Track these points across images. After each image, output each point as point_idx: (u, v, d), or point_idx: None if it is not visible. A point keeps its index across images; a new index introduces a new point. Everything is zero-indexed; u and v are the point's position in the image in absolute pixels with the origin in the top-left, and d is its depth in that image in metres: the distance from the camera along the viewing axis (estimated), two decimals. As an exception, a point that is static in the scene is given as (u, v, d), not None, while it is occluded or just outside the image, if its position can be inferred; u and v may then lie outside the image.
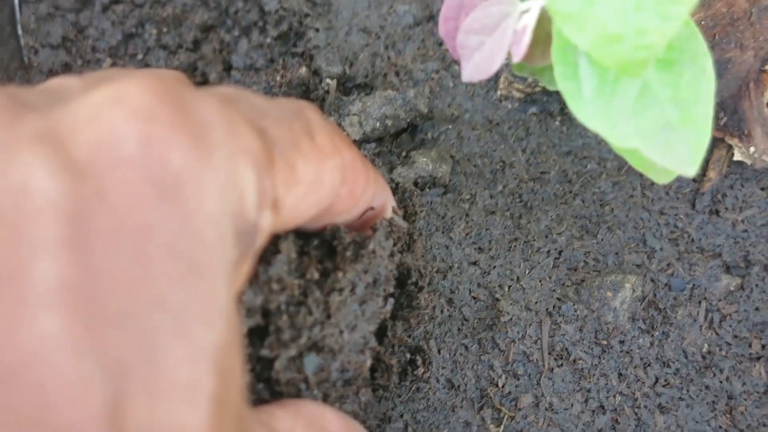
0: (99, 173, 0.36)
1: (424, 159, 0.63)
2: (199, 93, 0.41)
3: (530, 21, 0.48)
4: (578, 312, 0.61)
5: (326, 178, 0.49)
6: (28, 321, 0.33)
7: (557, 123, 0.64)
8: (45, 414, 0.32)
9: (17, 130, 0.37)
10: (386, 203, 0.57)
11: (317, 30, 0.67)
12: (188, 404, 0.36)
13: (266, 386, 0.52)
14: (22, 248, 0.34)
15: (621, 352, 0.60)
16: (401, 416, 0.60)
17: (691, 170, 0.47)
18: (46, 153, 0.36)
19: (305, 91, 0.66)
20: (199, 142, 0.39)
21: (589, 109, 0.48)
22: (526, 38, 0.49)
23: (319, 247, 0.55)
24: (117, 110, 0.37)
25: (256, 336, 0.52)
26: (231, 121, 0.41)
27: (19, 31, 0.68)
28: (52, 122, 0.37)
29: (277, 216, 0.44)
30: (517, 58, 0.49)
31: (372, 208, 0.56)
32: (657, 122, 0.48)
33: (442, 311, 0.61)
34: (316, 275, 0.53)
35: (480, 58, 0.49)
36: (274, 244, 0.52)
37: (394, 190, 0.63)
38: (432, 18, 0.67)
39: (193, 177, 0.38)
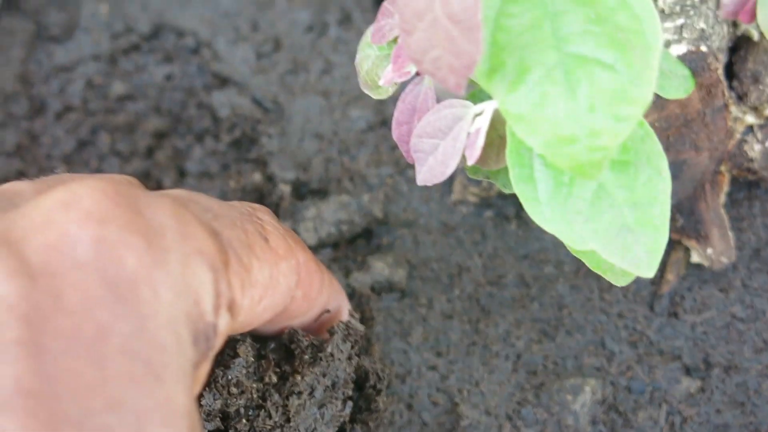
0: (54, 276, 0.36)
1: (381, 264, 0.63)
2: (151, 195, 0.42)
3: (484, 123, 0.48)
4: (538, 416, 0.61)
5: (281, 279, 0.49)
6: None
7: (513, 227, 0.65)
8: None
9: None
10: (341, 306, 0.57)
11: (270, 136, 0.67)
12: None
13: None
14: None
15: (581, 457, 0.60)
16: None
17: (650, 272, 0.48)
18: (0, 257, 0.36)
19: (260, 197, 0.66)
20: (153, 243, 0.39)
21: (545, 211, 0.48)
22: (480, 141, 0.49)
23: (277, 351, 0.55)
24: (69, 213, 0.37)
25: None
26: (184, 222, 0.41)
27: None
28: (4, 225, 0.38)
29: (233, 318, 0.44)
30: (471, 161, 0.49)
31: (328, 311, 0.56)
32: (614, 224, 0.48)
33: (401, 415, 0.61)
34: (275, 378, 0.53)
35: (434, 161, 0.49)
36: (231, 348, 0.52)
37: (351, 296, 0.63)
38: (385, 123, 0.67)
39: (148, 279, 0.38)
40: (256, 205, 0.52)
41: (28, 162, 0.67)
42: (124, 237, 0.38)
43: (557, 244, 0.56)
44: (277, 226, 0.51)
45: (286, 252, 0.50)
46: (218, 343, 0.43)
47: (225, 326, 0.43)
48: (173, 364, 0.38)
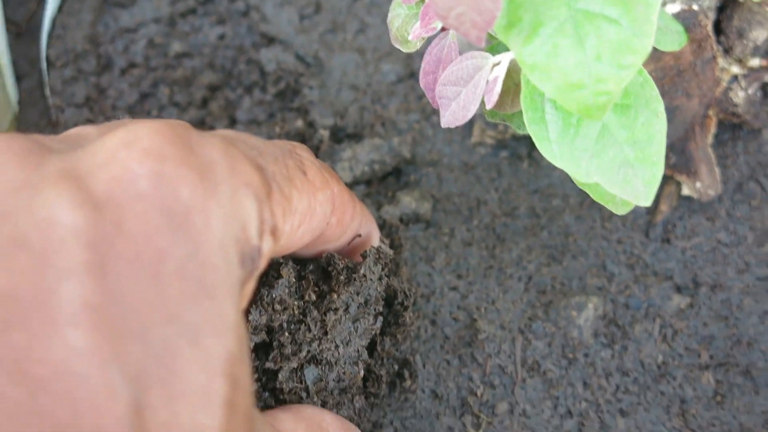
0: (117, 206, 0.37)
1: (408, 198, 0.63)
2: (203, 135, 0.42)
3: (501, 72, 0.49)
4: (547, 329, 0.61)
5: (318, 208, 0.50)
6: (58, 337, 0.33)
7: (525, 165, 0.64)
8: (74, 419, 0.32)
9: (42, 170, 0.37)
10: (371, 233, 0.58)
11: (311, 87, 0.67)
12: (203, 407, 0.36)
13: (271, 395, 0.53)
14: (50, 273, 0.34)
15: (585, 363, 0.60)
16: (391, 423, 0.60)
17: (647, 202, 0.48)
18: (68, 190, 0.36)
19: (302, 141, 0.66)
20: (204, 177, 0.39)
21: (555, 149, 0.48)
22: (498, 88, 0.49)
23: (316, 272, 0.56)
24: (131, 151, 0.38)
25: (261, 350, 0.53)
26: (233, 158, 0.42)
27: (48, 93, 0.68)
28: (72, 163, 0.38)
29: (276, 242, 0.45)
30: (489, 106, 0.49)
31: (359, 236, 0.56)
32: (616, 160, 0.48)
33: (426, 330, 0.61)
34: (314, 297, 0.54)
35: (457, 106, 0.49)
36: (276, 270, 0.53)
37: (382, 226, 0.63)
38: (413, 75, 0.67)
39: (200, 208, 0.39)
40: (296, 143, 0.52)
41: (96, 113, 0.67)
42: (179, 171, 0.39)
43: (564, 180, 0.56)
44: (314, 161, 0.51)
45: (322, 184, 0.50)
46: (262, 264, 0.43)
47: (268, 249, 0.44)
48: (223, 283, 0.39)
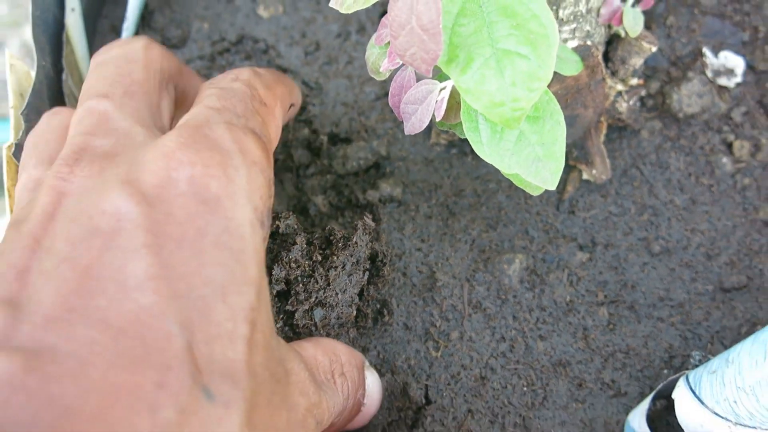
0: (164, 202, 0.39)
1: (385, 185, 0.64)
2: (214, 127, 0.43)
3: (446, 94, 0.49)
4: (486, 278, 0.61)
5: (279, 113, 0.53)
6: (129, 299, 0.35)
7: (469, 159, 0.65)
8: (146, 355, 0.34)
9: (104, 176, 0.40)
10: (296, 94, 0.58)
11: (314, 105, 0.67)
12: (231, 346, 0.37)
13: (291, 329, 0.55)
14: (118, 252, 0.36)
15: (514, 302, 0.61)
16: (375, 347, 0.60)
17: (552, 186, 0.49)
18: (126, 191, 0.38)
19: (308, 144, 0.66)
20: (226, 169, 0.41)
21: (486, 150, 0.48)
22: (444, 105, 0.49)
23: (321, 240, 0.57)
24: (172, 161, 0.40)
25: (282, 297, 0.55)
26: (239, 141, 0.43)
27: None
28: (127, 170, 0.40)
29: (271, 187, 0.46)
30: (439, 118, 0.50)
31: (293, 104, 0.57)
32: (530, 157, 0.49)
33: (399, 280, 0.62)
34: (320, 258, 0.55)
35: (415, 119, 0.50)
36: (292, 238, 0.55)
37: (367, 206, 0.64)
38: (386, 95, 0.67)
39: (227, 194, 0.40)
40: (243, 71, 0.52)
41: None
42: (207, 171, 0.40)
43: (497, 169, 0.56)
44: (259, 82, 0.51)
45: (274, 100, 0.52)
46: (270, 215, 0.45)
47: (272, 201, 0.45)
48: (249, 247, 0.40)
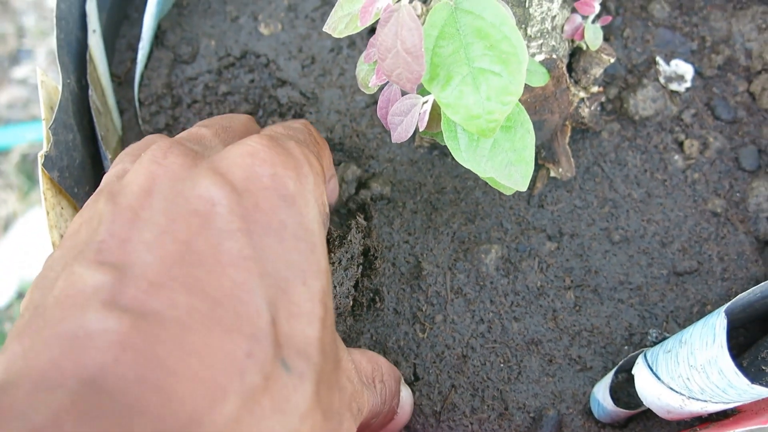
0: (250, 193, 0.40)
1: (376, 184, 0.63)
2: (287, 140, 0.45)
3: (428, 107, 0.49)
4: (466, 267, 0.61)
5: (326, 165, 0.54)
6: (225, 274, 0.36)
7: (449, 159, 0.64)
8: (239, 325, 0.35)
9: (197, 167, 0.41)
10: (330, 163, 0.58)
11: (311, 113, 0.67)
12: (309, 324, 0.38)
13: None
14: (215, 232, 0.38)
15: (491, 288, 0.60)
16: (368, 331, 0.60)
17: (523, 188, 0.48)
18: (218, 181, 0.39)
19: (306, 148, 0.66)
20: (299, 173, 0.42)
21: (464, 155, 0.48)
22: (426, 117, 0.49)
23: None
24: (255, 159, 0.41)
25: None
26: (306, 155, 0.44)
27: (140, 122, 0.67)
28: (215, 163, 0.41)
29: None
30: (422, 128, 0.49)
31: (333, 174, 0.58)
32: (503, 162, 0.48)
33: (389, 270, 0.61)
34: None
35: (401, 129, 0.49)
36: None
37: (361, 204, 0.63)
38: (375, 103, 0.67)
39: (301, 194, 0.42)
40: (300, 121, 0.54)
41: (173, 134, 0.67)
42: (285, 172, 0.41)
43: (473, 171, 0.55)
44: (315, 130, 0.54)
45: (324, 144, 0.54)
46: None
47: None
48: (318, 241, 0.41)
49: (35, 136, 1.79)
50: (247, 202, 0.39)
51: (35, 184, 1.78)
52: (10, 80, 1.93)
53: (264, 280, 0.36)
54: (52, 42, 1.84)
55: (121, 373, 0.30)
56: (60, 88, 0.57)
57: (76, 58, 0.63)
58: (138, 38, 0.70)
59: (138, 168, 0.41)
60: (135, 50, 0.70)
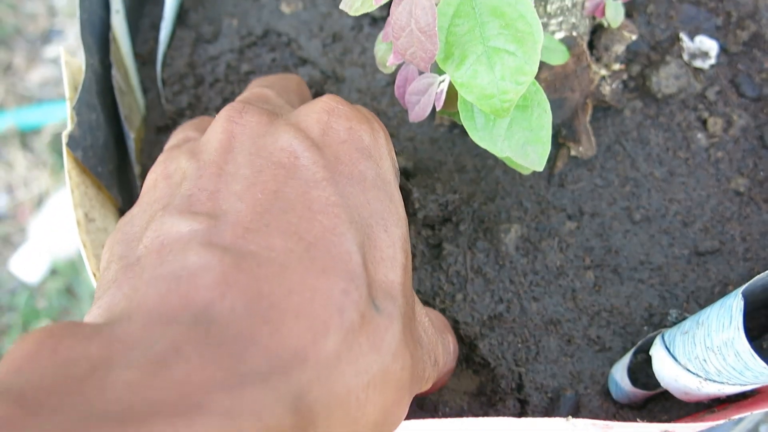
0: (330, 147, 0.41)
1: (399, 160, 0.63)
2: (353, 106, 0.46)
3: (444, 86, 0.49)
4: (486, 246, 0.61)
5: None
6: (315, 220, 0.38)
7: (470, 139, 0.64)
8: (332, 265, 0.36)
9: (275, 124, 0.42)
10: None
11: (332, 91, 0.67)
12: (392, 269, 0.40)
13: None
14: (301, 182, 0.39)
15: (510, 267, 0.60)
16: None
17: (540, 168, 0.48)
18: (298, 135, 0.41)
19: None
20: (372, 128, 0.44)
21: (480, 135, 0.48)
22: (443, 96, 0.49)
23: None
24: (332, 115, 0.43)
25: None
26: (372, 114, 0.46)
27: (163, 102, 0.68)
28: (293, 120, 0.43)
29: None
30: (438, 108, 0.49)
31: None
32: (519, 141, 0.48)
33: (411, 249, 0.61)
34: None
35: (419, 108, 0.49)
36: None
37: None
38: (395, 83, 0.66)
39: (375, 147, 0.43)
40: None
41: (195, 113, 0.67)
42: (361, 126, 0.43)
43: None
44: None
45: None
46: None
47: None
48: (395, 192, 0.43)
49: (65, 115, 1.81)
50: (327, 154, 0.40)
51: (67, 162, 1.80)
52: (42, 59, 1.95)
53: (352, 226, 0.38)
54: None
55: (229, 307, 0.32)
56: (84, 68, 0.58)
57: (99, 39, 0.63)
58: (161, 18, 0.70)
59: (215, 127, 0.42)
60: (158, 30, 0.71)
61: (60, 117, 1.80)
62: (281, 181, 0.39)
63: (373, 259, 0.38)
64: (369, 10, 0.47)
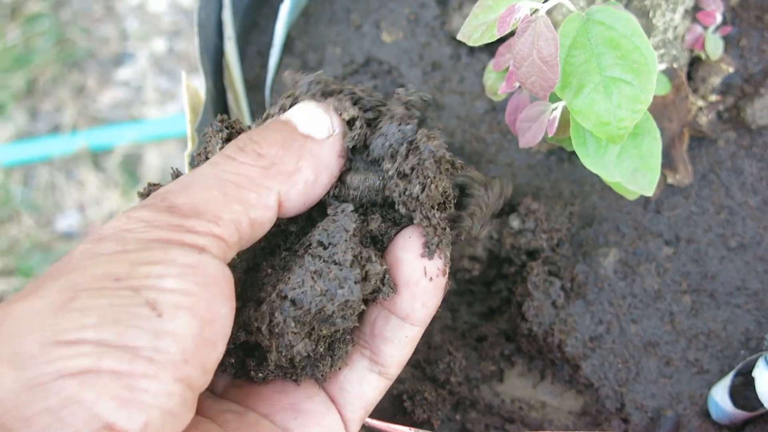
0: None
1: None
2: None
3: (557, 114, 0.51)
4: (585, 269, 0.63)
5: None
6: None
7: (566, 165, 0.67)
8: None
9: None
10: None
11: (432, 118, 0.70)
12: None
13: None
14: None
15: (609, 290, 0.63)
16: (499, 328, 0.62)
17: (649, 193, 0.51)
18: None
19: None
20: None
21: (592, 160, 0.51)
22: (555, 123, 0.52)
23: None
24: None
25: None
26: None
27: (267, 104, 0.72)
28: None
29: None
30: (551, 134, 0.52)
31: None
32: (630, 167, 0.51)
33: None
34: None
35: (530, 134, 0.52)
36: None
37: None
38: (494, 109, 0.69)
39: None
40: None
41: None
42: None
43: (593, 175, 0.58)
44: None
45: None
46: None
47: None
48: None
49: (136, 136, 1.86)
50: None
51: (137, 181, 1.85)
52: (114, 82, 2.02)
53: None
54: (155, 46, 1.93)
55: None
56: (203, 92, 0.63)
57: (213, 64, 0.68)
58: (266, 45, 0.75)
59: None
60: (264, 56, 0.75)
61: (130, 138, 1.86)
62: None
63: None
64: (489, 41, 0.51)
